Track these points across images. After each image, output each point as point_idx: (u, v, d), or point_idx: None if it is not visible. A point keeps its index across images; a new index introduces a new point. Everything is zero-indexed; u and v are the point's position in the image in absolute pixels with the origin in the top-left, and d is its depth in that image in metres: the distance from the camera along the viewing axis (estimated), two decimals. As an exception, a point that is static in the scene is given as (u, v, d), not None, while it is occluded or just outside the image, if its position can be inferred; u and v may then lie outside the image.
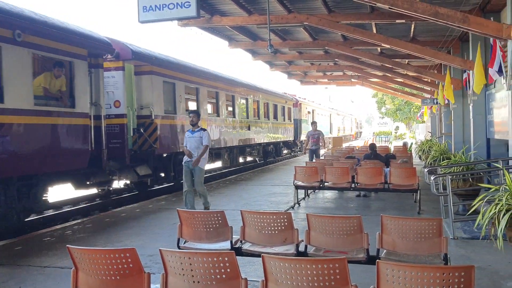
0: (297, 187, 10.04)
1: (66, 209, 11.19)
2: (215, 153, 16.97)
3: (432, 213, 8.90)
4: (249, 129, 19.54)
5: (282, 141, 25.75)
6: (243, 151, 20.62)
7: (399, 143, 33.80)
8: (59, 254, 6.38)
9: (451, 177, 7.79)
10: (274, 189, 12.75)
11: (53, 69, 8.74)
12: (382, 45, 13.44)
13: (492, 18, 8.10)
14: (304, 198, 11.00)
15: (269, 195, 11.83)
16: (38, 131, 8.17)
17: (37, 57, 8.49)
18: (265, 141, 22.47)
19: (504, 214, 4.26)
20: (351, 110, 68.46)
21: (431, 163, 11.86)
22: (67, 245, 3.34)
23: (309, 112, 33.67)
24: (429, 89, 22.97)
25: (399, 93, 33.84)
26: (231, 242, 4.89)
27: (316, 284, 2.88)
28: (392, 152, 15.88)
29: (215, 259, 3.08)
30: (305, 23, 11.83)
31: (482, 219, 4.60)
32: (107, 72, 10.63)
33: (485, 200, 4.84)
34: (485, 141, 11.48)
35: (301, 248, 4.65)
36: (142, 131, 11.84)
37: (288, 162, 24.12)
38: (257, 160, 23.55)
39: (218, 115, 16.43)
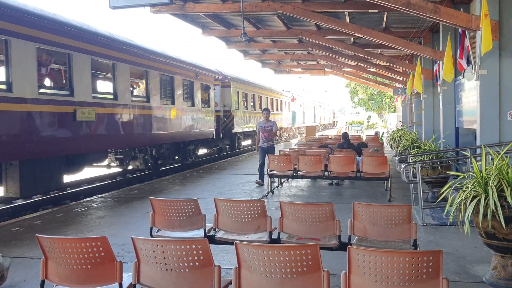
0: (271, 176, 10.09)
1: (35, 198, 10.96)
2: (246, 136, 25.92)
3: (402, 200, 9.09)
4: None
5: (284, 127, 35.36)
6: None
7: (371, 132, 34.30)
8: (28, 245, 6.25)
9: (421, 165, 7.96)
10: (248, 178, 12.78)
11: (205, 89, 18.04)
12: (355, 34, 13.53)
13: (462, 9, 8.24)
14: (277, 187, 11.07)
15: (243, 183, 11.86)
16: (200, 117, 17.28)
17: (202, 85, 17.66)
18: (284, 126, 34.38)
19: (471, 201, 4.37)
20: (325, 100, 69.62)
21: (402, 152, 12.08)
22: (36, 234, 3.28)
23: (300, 105, 42.82)
24: (400, 79, 23.32)
25: (372, 83, 34.25)
26: (205, 230, 4.88)
27: (288, 270, 2.91)
28: (364, 141, 16.10)
29: (188, 246, 3.07)
30: (279, 11, 11.80)
31: (450, 206, 4.71)
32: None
33: (453, 188, 4.96)
34: (454, 130, 11.74)
35: (274, 235, 4.68)
36: (225, 119, 21.15)
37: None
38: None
39: (254, 109, 26.23)
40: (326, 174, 9.70)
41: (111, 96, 11.41)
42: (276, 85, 35.38)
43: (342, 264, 3.76)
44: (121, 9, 8.19)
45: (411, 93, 18.08)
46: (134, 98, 12.63)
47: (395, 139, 18.15)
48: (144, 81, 13.51)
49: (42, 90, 9.10)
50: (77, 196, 11.51)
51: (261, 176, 11.44)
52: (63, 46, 9.53)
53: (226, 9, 12.18)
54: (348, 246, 2.94)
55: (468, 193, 4.44)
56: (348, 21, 13.42)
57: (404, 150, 12.03)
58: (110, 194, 10.65)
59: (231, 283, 3.24)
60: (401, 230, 4.44)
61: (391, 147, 20.12)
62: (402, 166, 7.74)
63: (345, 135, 12.90)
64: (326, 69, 26.55)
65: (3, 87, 8.17)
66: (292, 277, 2.92)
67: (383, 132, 29.41)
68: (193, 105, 16.45)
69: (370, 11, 11.88)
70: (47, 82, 9.82)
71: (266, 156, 10.89)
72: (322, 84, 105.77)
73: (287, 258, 2.89)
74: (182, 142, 16.33)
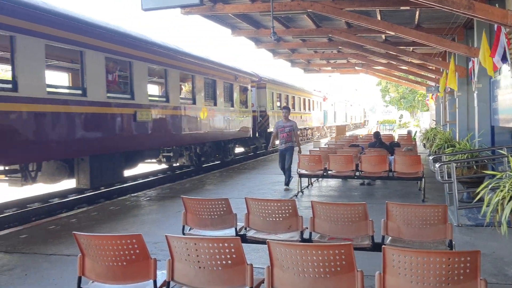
0: (301, 176, 10.05)
1: (71, 197, 11.25)
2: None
3: (436, 200, 8.90)
4: (301, 118, 29.85)
5: (315, 126, 36.50)
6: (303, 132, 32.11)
7: (403, 131, 33.72)
8: (64, 242, 6.41)
9: (455, 164, 7.78)
10: (278, 178, 12.75)
11: (243, 91, 18.77)
12: (387, 32, 13.32)
13: (497, 5, 8.00)
14: (307, 187, 11.01)
15: (273, 183, 11.85)
16: (239, 117, 18.19)
17: (241, 87, 18.48)
18: (315, 125, 35.80)
19: (509, 201, 4.24)
20: (355, 99, 69.11)
21: (435, 151, 11.83)
22: (73, 232, 3.36)
23: (332, 104, 43.18)
24: (433, 76, 22.82)
25: (404, 81, 33.65)
26: (236, 229, 4.90)
27: (322, 270, 2.89)
28: (396, 140, 15.85)
29: (220, 245, 3.09)
30: (308, 10, 11.73)
31: (487, 206, 4.59)
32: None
33: (489, 187, 4.82)
34: (489, 128, 11.41)
35: (306, 235, 4.66)
36: (261, 119, 21.76)
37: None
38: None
39: (294, 109, 27.41)
40: (357, 173, 9.59)
41: (164, 99, 12.57)
42: (306, 84, 35.46)
43: (375, 265, 3.71)
44: (153, 10, 8.30)
45: (445, 91, 17.67)
46: (182, 100, 13.57)
47: (428, 138, 17.80)
48: (190, 84, 14.44)
49: (109, 94, 10.15)
50: (111, 194, 11.76)
51: (287, 182, 10.84)
52: (125, 55, 10.66)
53: (255, 9, 12.20)
54: (383, 246, 2.90)
55: (505, 193, 4.31)
56: (379, 18, 13.23)
57: (438, 149, 11.77)
58: (143, 193, 10.83)
59: (263, 282, 3.24)
60: (436, 231, 4.35)
61: (424, 146, 19.73)
62: (437, 165, 7.58)
63: (376, 134, 12.73)
64: (356, 67, 26.24)
65: (79, 92, 9.37)
66: (325, 277, 2.90)
67: (416, 131, 28.87)
68: (232, 106, 17.38)
69: (402, 8, 11.67)
70: (113, 87, 10.71)
71: (285, 156, 10.75)
72: (353, 83, 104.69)
73: (320, 258, 2.87)
74: (223, 141, 17.20)
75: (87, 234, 3.31)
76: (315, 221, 4.62)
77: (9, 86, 7.75)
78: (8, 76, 7.94)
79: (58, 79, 12.61)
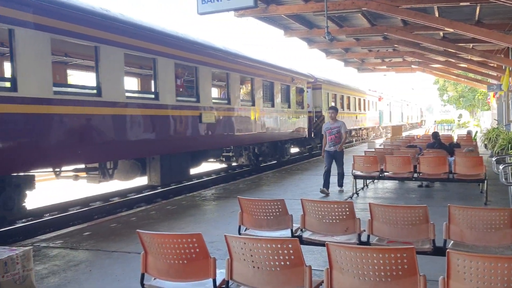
0: (356, 177, 9.89)
1: (130, 196, 11.66)
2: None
3: (499, 204, 8.48)
4: (356, 118, 30.26)
5: (370, 126, 36.19)
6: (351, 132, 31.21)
7: (463, 131, 32.41)
8: (125, 240, 6.65)
9: (521, 166, 7.40)
10: (332, 179, 12.59)
11: (299, 92, 19.10)
12: (445, 29, 12.87)
13: None
14: (362, 188, 10.81)
15: (327, 184, 11.72)
16: (295, 118, 18.56)
17: (297, 88, 18.82)
18: (370, 126, 35.38)
19: None
20: (412, 98, 67.23)
21: (498, 152, 11.31)
22: (137, 230, 3.47)
23: (387, 104, 42.70)
24: (495, 74, 21.82)
25: (463, 79, 32.37)
26: (292, 230, 4.90)
27: (382, 273, 2.83)
28: (456, 141, 15.27)
29: (279, 245, 3.10)
30: (363, 8, 11.55)
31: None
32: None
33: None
34: (559, 128, 10.76)
35: (363, 238, 4.58)
36: (316, 119, 21.55)
37: (346, 151, 23.78)
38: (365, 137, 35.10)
39: (349, 109, 27.91)
40: (415, 175, 9.32)
41: (226, 101, 13.14)
42: (360, 84, 34.94)
43: (436, 269, 3.60)
44: (208, 14, 8.45)
45: (508, 89, 16.83)
46: (242, 102, 13.99)
47: (490, 139, 17.00)
48: (249, 87, 14.91)
49: (178, 98, 10.78)
50: (167, 195, 12.08)
51: (326, 184, 10.19)
52: (192, 61, 11.30)
53: (309, 9, 12.15)
54: (447, 250, 2.80)
55: None
56: (437, 15, 12.80)
57: (501, 150, 11.26)
58: (198, 193, 11.04)
59: (321, 284, 3.22)
60: (502, 235, 4.16)
61: (485, 147, 18.87)
62: (500, 167, 7.24)
63: (435, 135, 12.31)
64: (413, 66, 25.51)
65: (152, 96, 10.10)
66: (386, 281, 2.84)
67: (476, 131, 27.68)
68: (289, 107, 17.77)
69: (461, 3, 11.24)
70: (181, 91, 11.43)
71: (332, 159, 10.29)
72: (408, 82, 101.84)
73: (381, 261, 2.82)
74: (279, 141, 17.62)
75: (149, 232, 3.42)
76: (373, 223, 4.53)
77: (94, 91, 8.48)
78: (93, 82, 8.66)
79: (132, 84, 13.60)
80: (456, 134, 25.33)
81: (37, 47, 7.25)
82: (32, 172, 7.98)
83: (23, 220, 9.05)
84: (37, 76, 7.28)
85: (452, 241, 4.32)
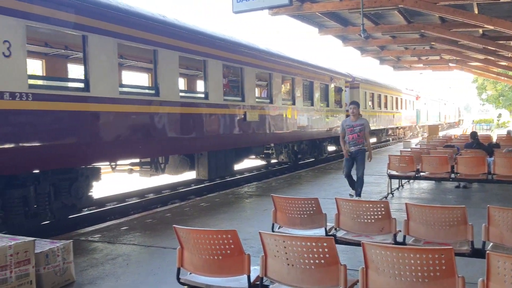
0: (391, 177, 9.74)
1: (164, 193, 11.86)
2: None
3: (542, 206, 8.19)
4: (393, 117, 30.39)
5: (407, 126, 36.03)
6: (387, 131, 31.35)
7: (503, 131, 31.39)
8: (160, 235, 6.77)
9: None
10: (366, 179, 12.38)
11: (337, 91, 19.34)
12: (485, 26, 12.50)
13: None
14: (397, 189, 10.65)
15: (361, 184, 11.59)
16: (333, 117, 18.71)
17: (335, 87, 19.14)
18: (407, 125, 35.22)
19: None
20: (449, 97, 65.74)
21: (541, 153, 10.90)
22: (174, 225, 3.54)
23: (424, 103, 42.40)
24: (538, 72, 21.05)
25: (503, 78, 31.32)
26: (326, 229, 4.88)
27: (420, 274, 2.79)
28: (495, 141, 14.83)
29: (314, 244, 3.10)
30: (400, 6, 11.34)
31: None
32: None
33: None
34: None
35: (399, 238, 4.52)
36: None
37: (379, 151, 23.52)
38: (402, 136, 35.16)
39: (387, 109, 28.15)
40: (452, 176, 9.11)
41: (268, 100, 13.63)
42: (395, 82, 34.49)
43: (475, 271, 3.53)
44: (243, 13, 8.50)
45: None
46: (283, 101, 14.37)
47: (532, 139, 16.44)
48: (290, 86, 15.28)
49: (225, 97, 11.35)
50: (201, 192, 12.23)
51: (352, 184, 9.38)
52: (238, 62, 11.85)
53: (344, 7, 12.03)
54: (487, 251, 2.74)
55: None
56: (476, 12, 12.43)
57: (544, 151, 10.85)
58: (231, 191, 11.12)
59: (356, 283, 3.20)
60: (544, 238, 4.02)
61: (526, 147, 18.24)
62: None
63: (473, 134, 12.00)
64: (450, 64, 24.87)
65: (202, 95, 10.71)
66: (423, 281, 2.80)
67: (517, 131, 26.76)
68: (327, 106, 18.12)
69: (501, 0, 10.88)
70: (227, 91, 11.96)
71: (350, 161, 9.27)
72: (446, 80, 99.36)
73: (418, 262, 2.78)
74: (318, 139, 17.96)
75: (186, 227, 3.48)
76: (410, 224, 4.46)
77: (153, 91, 9.15)
78: (151, 83, 9.68)
79: (183, 84, 14.37)
80: (496, 134, 24.56)
81: (106, 52, 7.85)
82: (98, 165, 8.57)
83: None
84: (107, 78, 7.88)
85: (491, 243, 4.21)
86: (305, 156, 17.56)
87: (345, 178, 9.45)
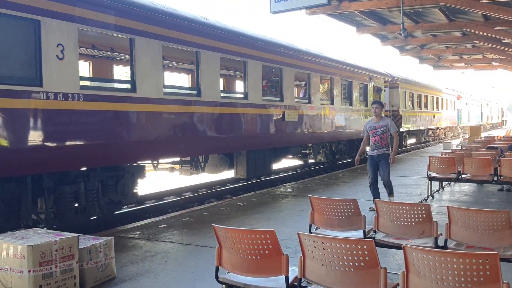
0: (431, 179, 9.52)
1: (201, 192, 12.00)
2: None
3: None
4: (434, 117, 29.61)
5: (448, 126, 35.25)
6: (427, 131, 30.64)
7: (549, 133, 30.14)
8: (197, 234, 6.86)
9: None
10: (405, 180, 12.25)
11: (376, 91, 18.83)
12: (532, 23, 12.06)
13: None
14: (438, 191, 10.40)
15: (399, 186, 11.38)
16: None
17: (374, 87, 18.65)
18: (447, 125, 34.47)
19: None
20: (492, 97, 63.74)
21: None
22: (213, 224, 3.58)
23: (466, 103, 41.67)
24: None
25: (550, 77, 30.08)
26: (364, 231, 4.82)
27: (463, 279, 2.72)
28: (541, 142, 14.25)
29: (353, 246, 3.07)
30: (441, 3, 11.10)
31: None
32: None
33: None
34: None
35: (440, 242, 4.41)
36: (393, 118, 20.51)
37: (418, 152, 23.03)
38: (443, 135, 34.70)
39: (427, 109, 27.53)
40: (495, 178, 8.81)
41: (306, 100, 13.56)
42: (435, 82, 33.76)
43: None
44: (281, 13, 8.50)
45: None
46: (321, 102, 14.38)
47: None
48: (329, 86, 15.24)
49: (264, 97, 11.46)
50: (237, 191, 12.30)
51: (376, 197, 8.18)
52: (277, 63, 11.91)
53: (383, 5, 11.88)
54: (535, 258, 2.64)
55: None
56: (523, 8, 12.01)
57: None
58: (267, 191, 11.14)
59: (396, 287, 3.15)
60: None
61: None
62: None
63: (518, 136, 11.57)
64: (493, 63, 24.12)
65: (242, 96, 10.91)
66: (466, 287, 2.73)
67: None
68: (366, 106, 17.84)
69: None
70: (266, 91, 12.09)
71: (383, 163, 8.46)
72: (489, 80, 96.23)
73: (461, 266, 2.70)
74: (356, 139, 17.66)
75: (224, 227, 3.51)
76: (451, 227, 4.35)
77: (195, 92, 9.36)
78: (194, 84, 9.89)
79: (223, 85, 14.47)
80: (542, 135, 23.60)
81: (151, 54, 8.11)
82: (142, 163, 8.87)
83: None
84: (152, 79, 8.12)
85: (538, 250, 4.06)
86: (342, 156, 17.47)
87: (370, 186, 8.53)
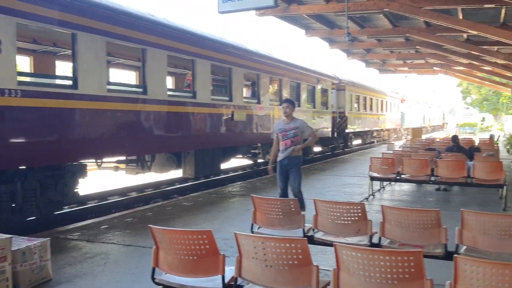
0: (372, 179, 9.84)
1: (147, 192, 11.81)
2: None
3: (519, 210, 8.35)
4: (378, 119, 30.52)
5: (392, 128, 36.28)
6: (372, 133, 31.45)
7: (485, 135, 31.86)
8: (140, 234, 6.76)
9: (542, 172, 7.26)
10: (348, 180, 12.59)
11: (323, 92, 19.39)
12: (469, 31, 12.68)
13: None
14: (379, 190, 10.76)
15: (343, 185, 11.70)
16: (320, 118, 19.08)
17: (322, 89, 19.36)
18: (392, 127, 35.61)
19: None
20: (434, 101, 66.49)
21: (520, 158, 11.10)
22: (149, 225, 3.55)
23: (409, 106, 42.97)
24: (520, 78, 21.41)
25: (487, 82, 31.76)
26: (304, 230, 4.92)
27: (389, 276, 2.84)
28: (477, 145, 15.05)
29: (287, 245, 3.13)
30: (385, 9, 11.44)
31: None
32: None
33: None
34: None
35: (375, 240, 4.58)
36: (339, 119, 22.20)
37: (363, 153, 23.72)
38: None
39: (372, 111, 28.43)
40: (432, 178, 9.23)
41: (256, 100, 13.74)
42: (382, 86, 34.88)
43: (448, 274, 3.57)
44: (229, 13, 8.51)
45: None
46: (270, 102, 14.60)
47: (512, 144, 16.72)
48: (278, 87, 15.43)
49: (213, 97, 11.44)
50: (184, 191, 12.20)
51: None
52: (226, 62, 11.93)
53: (330, 9, 12.10)
54: (454, 255, 2.80)
55: None
56: (461, 17, 12.60)
57: (523, 155, 11.05)
58: (214, 190, 11.13)
59: (329, 284, 3.24)
60: (516, 242, 4.11)
61: (508, 152, 18.55)
62: (520, 173, 7.12)
63: (454, 138, 12.17)
64: (435, 68, 25.16)
65: (191, 94, 10.66)
66: (393, 283, 2.85)
67: (499, 136, 27.18)
68: (314, 107, 18.34)
69: (485, 6, 11.04)
70: (215, 90, 12.20)
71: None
72: (430, 84, 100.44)
73: (388, 264, 2.83)
74: (304, 140, 17.53)
75: (161, 227, 3.49)
76: (385, 226, 4.53)
77: (141, 90, 9.15)
78: (138, 81, 9.92)
79: (171, 83, 14.36)
80: (478, 138, 24.92)
81: (95, 50, 7.91)
82: (84, 162, 8.63)
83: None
84: (95, 75, 7.94)
85: (464, 247, 4.29)
86: None
87: (280, 194, 7.42)
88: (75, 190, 8.31)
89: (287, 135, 7.25)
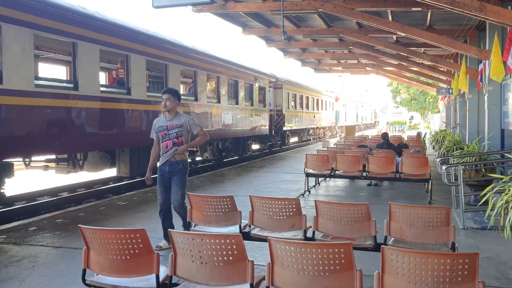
0: (308, 175, 10.07)
1: (80, 191, 11.38)
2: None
3: (443, 203, 8.87)
4: (314, 117, 31.45)
5: (327, 126, 37.24)
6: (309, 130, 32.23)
7: (414, 133, 33.55)
8: (71, 235, 6.51)
9: (463, 167, 7.76)
10: (285, 177, 12.81)
11: (260, 91, 19.62)
12: (398, 33, 13.28)
13: (510, 7, 7.94)
14: (314, 186, 11.03)
15: (280, 182, 11.89)
16: (257, 116, 19.26)
17: (259, 87, 19.48)
18: (327, 125, 36.36)
19: (514, 205, 4.24)
20: (366, 99, 69.11)
21: (444, 153, 11.78)
22: (79, 225, 3.43)
23: (343, 105, 44.40)
24: (445, 78, 22.69)
25: (415, 82, 33.47)
26: (240, 226, 4.95)
27: (321, 267, 2.92)
28: (405, 142, 15.80)
29: (222, 241, 3.13)
30: (319, 10, 11.72)
31: (491, 209, 4.59)
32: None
33: (494, 191, 4.82)
34: (499, 132, 11.33)
35: (309, 234, 4.69)
36: (277, 117, 22.86)
37: (300, 150, 24.22)
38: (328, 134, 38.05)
39: (308, 109, 29.22)
40: (364, 174, 9.59)
41: (193, 98, 13.54)
42: (318, 85, 35.91)
43: (378, 265, 3.73)
44: (164, 8, 8.37)
45: (458, 93, 17.53)
46: (208, 99, 14.63)
47: (437, 140, 17.71)
48: (215, 84, 15.38)
49: (149, 93, 11.22)
50: (119, 190, 11.87)
51: (166, 235, 5.76)
52: (162, 59, 11.69)
53: (267, 8, 12.22)
54: (382, 246, 2.93)
55: (510, 196, 4.31)
56: (390, 19, 13.18)
57: (447, 151, 11.72)
58: (151, 189, 10.91)
59: (264, 279, 3.28)
60: (439, 233, 4.36)
61: (433, 148, 19.64)
62: (444, 167, 7.57)
63: (384, 135, 12.70)
64: (367, 68, 26.15)
65: (125, 91, 10.30)
66: (324, 275, 2.94)
67: (426, 133, 28.72)
68: (252, 105, 18.46)
69: (413, 9, 11.62)
70: (152, 87, 12.00)
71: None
72: (363, 83, 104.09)
73: (319, 256, 2.91)
74: (242, 137, 18.21)
75: (92, 227, 3.38)
76: (319, 220, 4.65)
77: (71, 85, 8.81)
78: (70, 76, 9.51)
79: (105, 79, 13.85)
80: (407, 135, 26.19)
81: (21, 43, 7.56)
82: (10, 161, 8.24)
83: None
84: (21, 70, 7.56)
85: (392, 238, 4.50)
86: (229, 154, 17.80)
87: (160, 213, 5.99)
88: (1, 190, 7.87)
89: (168, 135, 5.80)
